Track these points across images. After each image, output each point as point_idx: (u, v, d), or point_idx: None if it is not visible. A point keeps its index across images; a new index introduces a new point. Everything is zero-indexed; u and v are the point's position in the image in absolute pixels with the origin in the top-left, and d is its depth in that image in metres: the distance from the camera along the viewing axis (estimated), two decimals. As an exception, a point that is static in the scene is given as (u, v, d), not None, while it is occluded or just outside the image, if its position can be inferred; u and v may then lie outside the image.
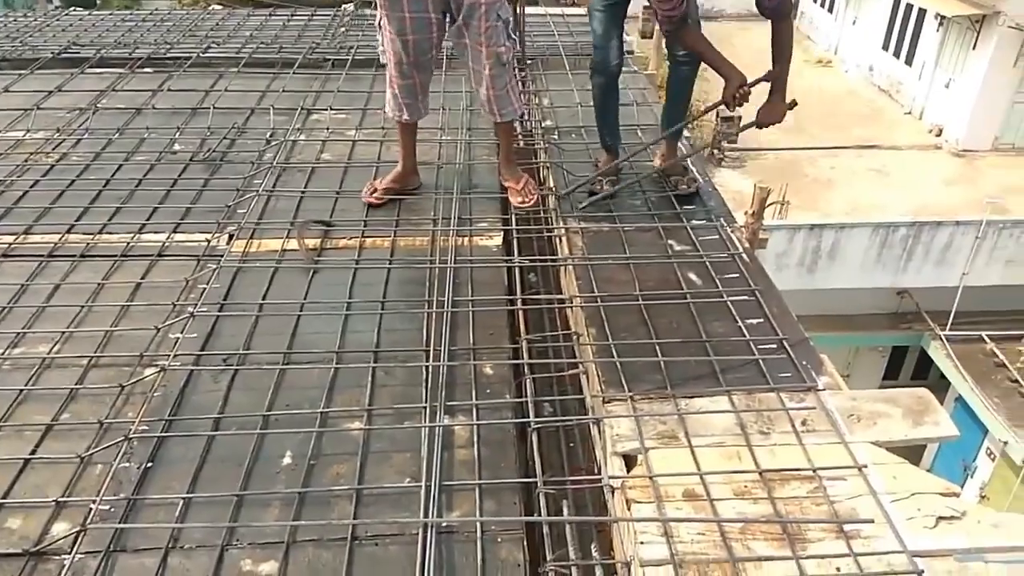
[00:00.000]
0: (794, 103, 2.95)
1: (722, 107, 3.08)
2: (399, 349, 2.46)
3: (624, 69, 3.29)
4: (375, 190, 3.24)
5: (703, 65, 3.02)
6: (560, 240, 3.08)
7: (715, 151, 11.81)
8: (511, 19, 2.98)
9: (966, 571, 1.76)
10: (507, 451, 2.11)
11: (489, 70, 2.98)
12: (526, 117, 4.03)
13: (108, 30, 5.77)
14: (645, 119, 4.02)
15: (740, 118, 3.83)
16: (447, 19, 2.95)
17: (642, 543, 1.79)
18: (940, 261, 10.32)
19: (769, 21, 2.84)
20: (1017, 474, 9.46)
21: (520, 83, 3.65)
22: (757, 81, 2.92)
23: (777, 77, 2.87)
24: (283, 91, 4.47)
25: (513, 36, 2.99)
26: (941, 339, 10.60)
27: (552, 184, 3.45)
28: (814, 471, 1.97)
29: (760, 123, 2.98)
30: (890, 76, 14.99)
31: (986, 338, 10.44)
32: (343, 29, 5.65)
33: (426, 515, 1.88)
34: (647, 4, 2.86)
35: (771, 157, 12.31)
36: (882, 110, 14.54)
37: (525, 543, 1.86)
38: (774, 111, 2.92)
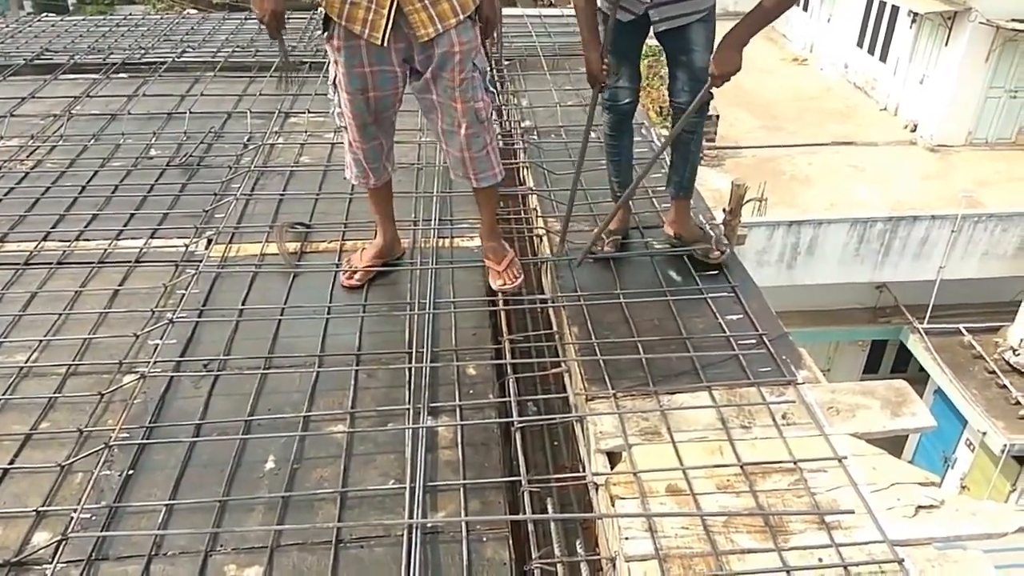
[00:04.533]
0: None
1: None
2: (381, 351, 2.46)
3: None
4: (355, 271, 2.78)
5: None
6: (541, 240, 3.09)
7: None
8: (488, 69, 2.55)
9: (946, 558, 1.79)
10: (491, 451, 2.11)
11: (465, 129, 2.48)
12: (505, 116, 4.00)
13: (82, 36, 5.72)
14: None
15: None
16: (409, 71, 2.49)
17: (627, 539, 1.80)
18: (917, 255, 10.46)
19: None
20: (996, 464, 9.60)
21: (500, 142, 3.03)
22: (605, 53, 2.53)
23: (743, 26, 2.41)
24: (260, 95, 4.45)
25: (492, 89, 2.55)
26: (919, 332, 10.73)
27: (532, 183, 3.46)
28: (795, 463, 1.99)
29: (714, 76, 2.46)
30: (865, 73, 15.16)
31: (963, 330, 10.59)
32: (319, 32, 5.63)
33: (411, 516, 1.88)
34: None
35: (749, 155, 12.42)
36: (858, 107, 14.70)
37: (511, 542, 1.86)
38: (729, 62, 2.43)
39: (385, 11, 2.27)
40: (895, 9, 14.02)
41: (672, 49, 2.62)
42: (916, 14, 13.09)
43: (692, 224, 2.95)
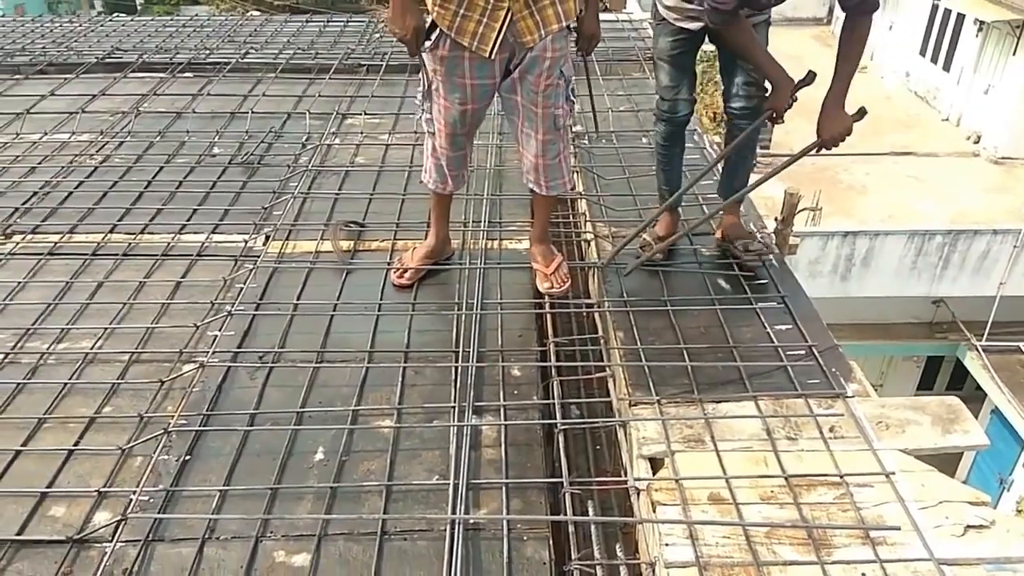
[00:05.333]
0: (862, 112, 2.40)
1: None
2: (429, 349, 2.50)
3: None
4: (405, 270, 2.81)
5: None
6: (589, 244, 3.10)
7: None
8: (573, 77, 2.54)
9: (994, 581, 1.75)
10: (534, 451, 2.14)
11: (543, 135, 2.50)
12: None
13: (150, 35, 5.92)
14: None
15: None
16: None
17: (667, 545, 1.80)
18: (977, 270, 10.14)
19: (844, 15, 2.35)
20: (1055, 489, 9.26)
21: (574, 151, 3.03)
22: (801, 85, 2.44)
23: (838, 81, 2.38)
24: (319, 96, 4.55)
25: (572, 98, 2.55)
26: (977, 349, 10.41)
27: (582, 188, 3.48)
28: (841, 477, 1.97)
29: (825, 142, 2.42)
30: (927, 82, 14.76)
31: (1023, 349, 10.24)
32: (378, 35, 5.73)
33: (454, 512, 1.91)
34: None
35: (805, 163, 12.17)
36: (919, 116, 14.32)
37: (551, 542, 1.88)
38: (837, 124, 2.38)
39: (497, 25, 2.28)
40: (960, 17, 13.62)
41: (732, 55, 2.58)
42: (982, 22, 12.70)
43: (740, 226, 2.92)
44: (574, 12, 2.37)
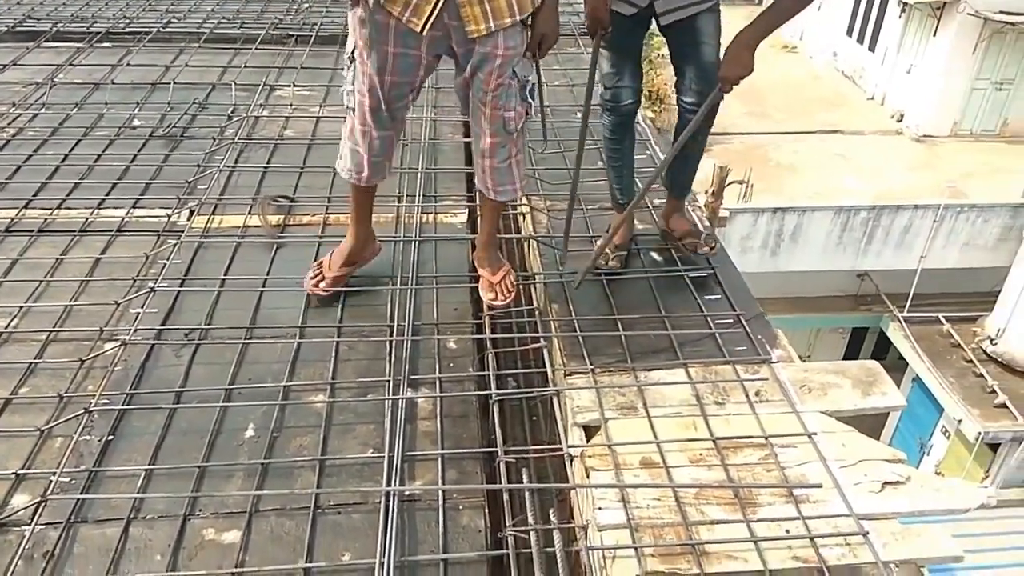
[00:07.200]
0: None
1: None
2: (363, 323, 2.47)
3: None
4: (322, 277, 2.57)
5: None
6: (524, 217, 3.11)
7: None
8: (530, 79, 2.31)
9: (909, 532, 1.84)
10: (469, 423, 2.14)
11: (491, 137, 2.31)
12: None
13: (65, 3, 5.61)
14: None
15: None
16: (438, 62, 2.30)
17: (600, 508, 1.84)
18: (899, 244, 10.57)
19: None
20: (970, 451, 9.77)
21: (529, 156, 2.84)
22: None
23: (757, 21, 2.25)
24: (245, 67, 4.41)
25: (530, 100, 2.33)
26: (899, 321, 10.87)
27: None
28: (766, 439, 2.04)
29: (724, 80, 2.31)
30: (854, 62, 15.22)
31: (942, 319, 10.74)
32: (307, 5, 5.58)
33: (389, 484, 1.90)
34: None
35: (736, 142, 12.46)
36: (846, 96, 14.78)
37: (486, 511, 1.90)
38: (739, 60, 2.25)
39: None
40: (885, -2, 14.07)
41: (679, 43, 2.44)
42: (905, 4, 13.14)
43: (684, 219, 2.85)
44: (530, 6, 2.14)
